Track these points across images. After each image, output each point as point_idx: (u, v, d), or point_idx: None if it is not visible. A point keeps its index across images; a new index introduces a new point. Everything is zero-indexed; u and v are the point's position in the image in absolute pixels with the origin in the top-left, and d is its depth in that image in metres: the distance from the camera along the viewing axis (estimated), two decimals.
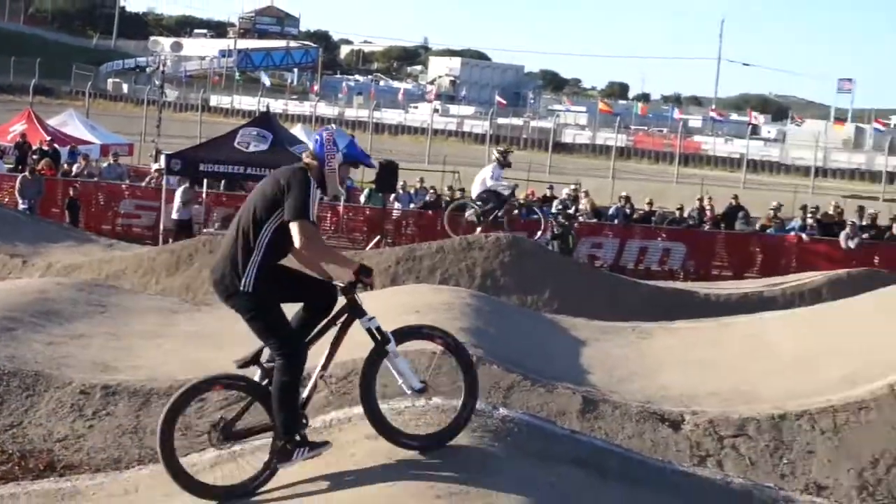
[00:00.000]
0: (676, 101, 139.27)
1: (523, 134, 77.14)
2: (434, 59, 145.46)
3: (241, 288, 6.63)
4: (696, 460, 9.02)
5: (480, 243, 18.68)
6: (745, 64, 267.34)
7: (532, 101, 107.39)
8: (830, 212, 27.26)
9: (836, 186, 52.42)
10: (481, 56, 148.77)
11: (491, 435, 7.19)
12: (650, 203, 27.99)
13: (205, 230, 23.92)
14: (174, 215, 24.87)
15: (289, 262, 6.86)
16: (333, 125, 7.10)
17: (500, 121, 77.05)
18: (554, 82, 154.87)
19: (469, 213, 20.39)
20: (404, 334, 7.14)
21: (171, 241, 22.84)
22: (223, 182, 27.55)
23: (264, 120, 25.88)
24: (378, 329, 6.86)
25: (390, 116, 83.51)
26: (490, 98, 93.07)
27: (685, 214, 27.27)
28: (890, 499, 8.80)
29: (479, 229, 19.85)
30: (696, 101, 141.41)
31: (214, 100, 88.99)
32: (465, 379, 7.13)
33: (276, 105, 73.12)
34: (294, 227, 6.51)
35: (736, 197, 28.54)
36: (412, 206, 28.06)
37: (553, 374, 10.46)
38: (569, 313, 14.75)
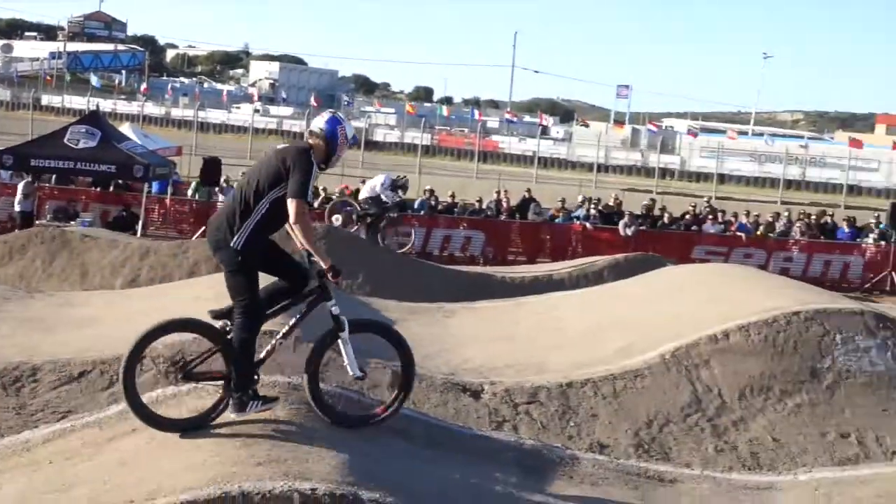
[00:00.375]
0: (476, 104, 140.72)
1: None
2: (255, 64, 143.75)
3: (232, 244, 6.77)
4: (494, 425, 9.15)
5: None
6: (536, 71, 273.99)
7: (346, 103, 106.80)
8: (611, 203, 28.02)
9: (615, 181, 53.97)
10: (299, 61, 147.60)
11: (307, 407, 7.17)
12: (453, 196, 28.26)
13: (38, 222, 23.21)
14: (17, 207, 24.21)
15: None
16: (332, 111, 7.18)
17: None
18: (366, 86, 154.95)
19: (349, 209, 20.43)
20: (358, 325, 7.38)
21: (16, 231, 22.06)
22: (54, 177, 26.63)
23: (93, 118, 25.22)
24: (338, 316, 7.05)
25: (214, 116, 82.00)
26: (307, 100, 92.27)
27: (484, 206, 27.63)
28: (662, 453, 9.09)
29: (354, 227, 19.94)
30: (494, 105, 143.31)
31: (46, 99, 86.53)
32: (402, 369, 7.42)
33: (106, 104, 71.63)
34: (292, 204, 6.67)
35: (529, 190, 29.08)
36: None
37: (366, 352, 10.44)
38: (380, 296, 14.72)
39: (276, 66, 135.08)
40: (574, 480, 7.80)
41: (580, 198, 29.01)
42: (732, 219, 27.78)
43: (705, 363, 9.97)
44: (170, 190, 27.50)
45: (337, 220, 20.21)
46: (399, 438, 7.48)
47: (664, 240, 25.51)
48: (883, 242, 26.04)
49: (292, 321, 7.26)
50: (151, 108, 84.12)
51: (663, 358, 10.00)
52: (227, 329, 6.96)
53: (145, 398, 7.06)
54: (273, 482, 5.96)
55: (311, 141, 7.00)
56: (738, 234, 26.36)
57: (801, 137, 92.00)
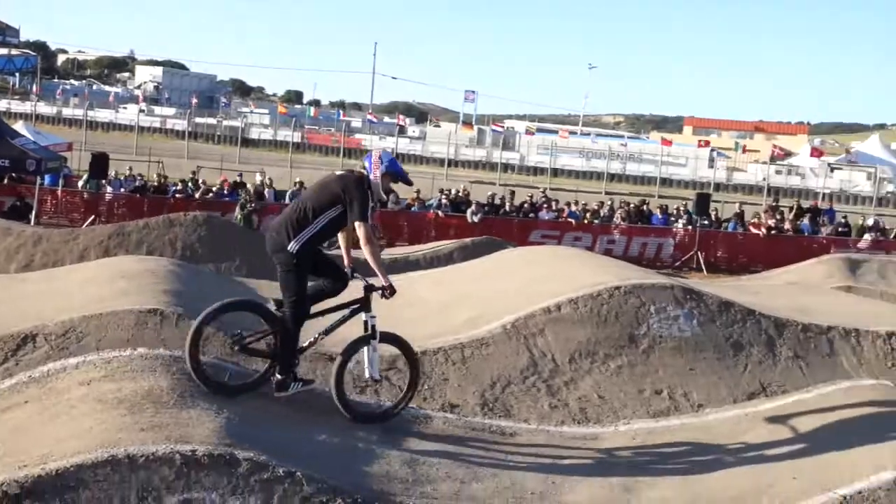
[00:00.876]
0: (341, 106, 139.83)
1: (217, 131, 75.22)
2: (140, 68, 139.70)
3: (289, 248, 7.15)
4: (359, 390, 9.12)
5: (181, 221, 18.06)
6: (394, 77, 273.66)
7: (224, 104, 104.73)
8: (460, 193, 28.20)
9: (464, 174, 54.33)
10: (181, 66, 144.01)
11: (187, 377, 7.03)
12: None
13: None
14: None
15: None
16: (381, 149, 7.98)
17: (198, 120, 75.12)
18: (242, 89, 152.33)
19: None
20: (386, 338, 7.82)
21: None
22: None
23: None
24: (374, 326, 7.57)
25: (103, 115, 79.33)
26: (188, 101, 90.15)
27: None
28: (504, 411, 9.20)
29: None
30: (357, 107, 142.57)
31: None
32: (410, 375, 7.97)
33: (0, 104, 68.46)
34: (360, 229, 7.14)
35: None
36: (122, 190, 26.87)
37: (243, 326, 10.29)
38: (255, 277, 14.53)
39: (159, 70, 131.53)
40: (427, 437, 7.85)
41: (435, 189, 29.07)
42: (564, 207, 28.33)
43: (541, 332, 10.13)
44: (61, 182, 26.54)
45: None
46: (273, 403, 7.40)
47: (506, 225, 25.83)
48: (690, 227, 26.94)
49: (333, 323, 7.64)
50: (44, 108, 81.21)
51: (505, 328, 10.11)
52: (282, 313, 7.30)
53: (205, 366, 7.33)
54: (156, 446, 5.82)
55: (360, 171, 7.44)
56: (569, 220, 26.91)
57: (622, 137, 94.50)
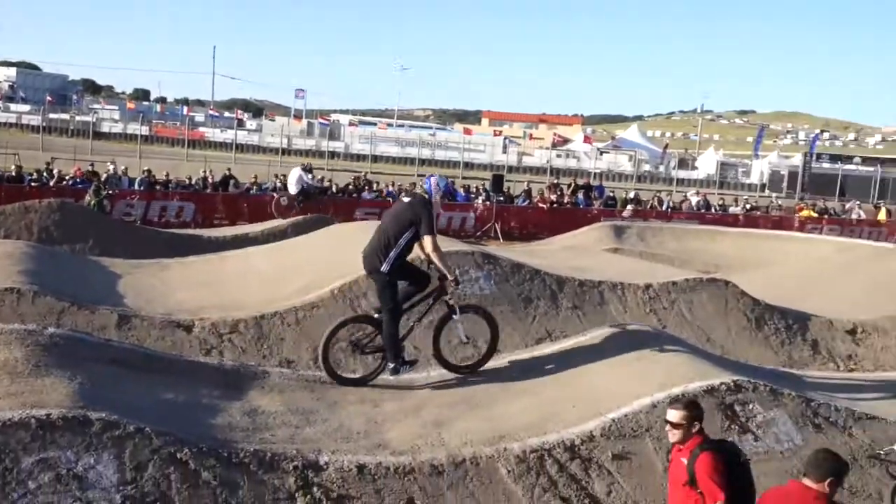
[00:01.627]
0: (185, 102, 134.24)
1: (70, 126, 70.71)
2: None
3: (381, 269, 7.98)
4: (204, 352, 8.82)
5: (36, 207, 16.86)
6: (232, 77, 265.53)
7: (76, 102, 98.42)
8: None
9: (296, 161, 53.13)
10: (34, 67, 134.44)
11: (41, 348, 6.58)
12: (167, 175, 26.83)
13: None
14: None
15: None
16: (436, 175, 8.61)
17: (52, 116, 70.32)
18: (93, 88, 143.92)
19: (284, 200, 23.02)
20: (463, 308, 8.60)
21: None
22: None
23: None
24: (453, 304, 8.37)
25: None
26: (42, 98, 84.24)
27: (193, 182, 26.47)
28: (335, 363, 9.13)
29: (293, 211, 21.98)
30: (200, 103, 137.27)
31: None
32: (490, 334, 8.61)
33: None
34: (427, 240, 7.93)
35: (229, 169, 28.15)
36: None
37: (96, 300, 9.75)
38: (108, 256, 13.80)
39: (13, 70, 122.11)
40: (265, 390, 7.67)
41: (271, 175, 28.37)
42: (383, 188, 28.28)
43: (364, 294, 10.07)
44: None
45: (284, 200, 22.69)
46: (123, 368, 7.02)
47: (334, 205, 25.54)
48: (488, 202, 27.45)
49: (423, 312, 8.50)
50: None
51: (333, 292, 10.00)
52: (379, 317, 8.11)
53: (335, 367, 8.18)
54: (12, 412, 5.40)
55: (423, 195, 8.18)
56: (388, 199, 26.86)
57: (431, 128, 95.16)
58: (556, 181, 33.64)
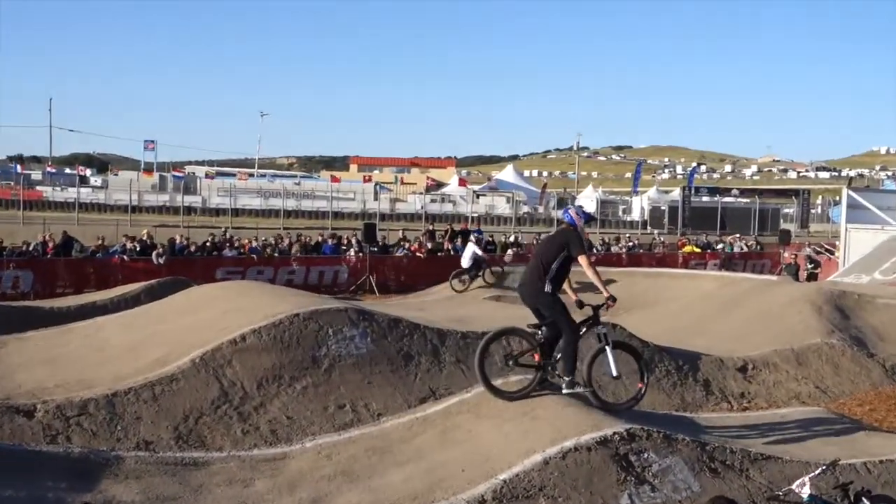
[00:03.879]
0: (20, 159, 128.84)
1: None
2: None
3: (545, 290, 8.54)
4: (48, 439, 8.37)
5: None
6: (71, 130, 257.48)
7: None
8: (145, 238, 26.84)
9: (148, 219, 51.83)
10: None
11: None
12: (1, 241, 25.51)
13: None
14: None
15: None
16: (576, 206, 9.61)
17: None
18: None
19: (464, 277, 23.60)
20: (617, 344, 9.03)
21: None
22: None
23: None
24: (605, 335, 8.78)
25: None
26: None
27: (31, 247, 25.27)
28: (199, 442, 8.84)
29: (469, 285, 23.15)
30: (37, 160, 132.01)
31: None
32: (640, 368, 9.08)
33: None
34: (583, 258, 8.55)
35: (65, 231, 26.95)
36: None
37: None
38: None
39: None
40: (119, 477, 7.33)
41: (120, 235, 27.43)
42: (246, 243, 27.82)
43: (228, 363, 9.86)
44: None
45: (463, 282, 23.48)
46: None
47: (191, 265, 24.90)
48: (361, 254, 27.39)
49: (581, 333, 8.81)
50: None
51: (194, 362, 9.74)
52: (540, 335, 8.67)
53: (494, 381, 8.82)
54: None
55: (568, 227, 8.89)
56: (251, 255, 26.45)
57: (295, 177, 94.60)
58: (431, 227, 33.99)
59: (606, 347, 8.80)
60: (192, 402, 9.29)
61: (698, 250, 34.18)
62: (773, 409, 11.71)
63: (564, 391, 8.57)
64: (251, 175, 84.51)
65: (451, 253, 29.15)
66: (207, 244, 27.31)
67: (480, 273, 23.88)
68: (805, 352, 13.66)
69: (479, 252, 24.05)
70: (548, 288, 8.56)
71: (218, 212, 60.80)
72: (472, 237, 25.56)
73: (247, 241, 28.45)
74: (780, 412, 11.24)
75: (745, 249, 35.94)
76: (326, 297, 15.37)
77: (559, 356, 8.72)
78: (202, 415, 9.20)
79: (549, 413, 8.19)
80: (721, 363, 12.99)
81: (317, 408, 9.61)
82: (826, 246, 35.82)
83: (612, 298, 8.75)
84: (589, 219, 9.32)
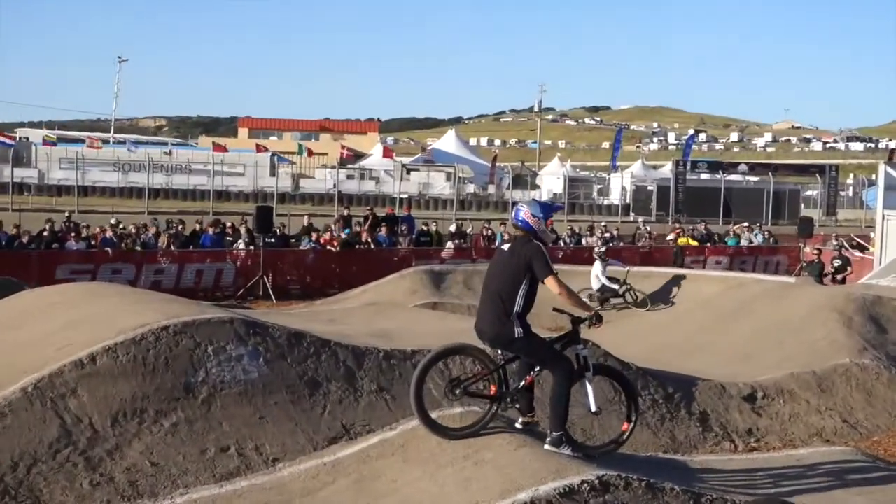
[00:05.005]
0: None
1: None
2: None
3: (516, 336, 8.56)
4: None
5: None
6: None
7: None
8: None
9: None
10: None
11: None
12: None
13: None
14: None
15: None
16: (523, 203, 9.23)
17: None
18: None
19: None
20: (600, 369, 9.40)
21: None
22: None
23: None
24: (585, 359, 8.87)
25: None
26: None
27: None
28: (33, 497, 8.73)
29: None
30: None
31: None
32: (627, 402, 9.18)
33: None
34: (549, 283, 8.55)
35: None
36: None
37: None
38: None
39: None
40: None
41: None
42: (98, 233, 27.43)
43: (73, 392, 9.73)
44: None
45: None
46: None
47: (23, 261, 24.49)
48: (252, 247, 27.21)
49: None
50: None
51: (26, 392, 9.60)
52: (500, 357, 8.79)
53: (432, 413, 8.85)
54: None
55: (525, 235, 8.86)
56: (105, 249, 26.09)
57: (165, 144, 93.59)
58: (347, 212, 33.94)
59: (587, 374, 8.90)
60: (22, 446, 9.15)
61: (695, 243, 34.72)
62: (788, 449, 11.95)
63: (548, 447, 8.59)
64: (105, 142, 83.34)
65: (372, 247, 29.15)
66: (45, 233, 26.91)
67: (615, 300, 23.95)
68: (830, 375, 13.96)
69: (605, 279, 24.08)
70: (518, 331, 8.60)
71: (60, 190, 59.97)
72: (595, 253, 25.26)
73: (99, 229, 28.11)
74: (798, 454, 11.46)
75: (755, 242, 36.60)
76: (206, 304, 15.24)
77: (520, 388, 8.83)
78: (36, 461, 9.06)
79: (497, 456, 8.25)
80: (722, 390, 13.21)
81: (191, 451, 9.54)
82: (858, 239, 36.68)
83: (598, 317, 8.93)
84: (549, 211, 9.23)
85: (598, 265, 24.22)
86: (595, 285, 23.95)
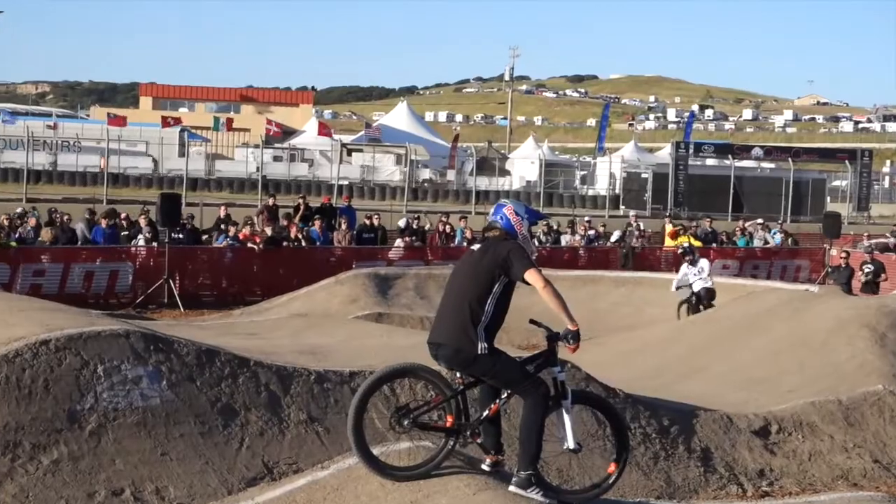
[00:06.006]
0: None
1: None
2: None
3: (478, 352, 8.56)
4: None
5: None
6: None
7: None
8: None
9: None
10: None
11: None
12: None
13: None
14: None
15: None
16: (507, 199, 9.34)
17: None
18: None
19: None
20: (580, 396, 9.45)
21: None
22: None
23: None
24: (563, 383, 8.87)
25: None
26: None
27: None
28: None
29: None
30: None
31: None
32: (614, 438, 9.37)
33: None
34: (530, 276, 8.51)
35: None
36: None
37: None
38: None
39: None
40: None
41: None
42: None
43: None
44: None
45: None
46: None
47: None
48: (156, 244, 27.10)
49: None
50: None
51: None
52: (458, 381, 8.78)
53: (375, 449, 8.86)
54: None
55: (500, 235, 8.88)
56: None
57: (49, 115, 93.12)
58: (272, 202, 33.86)
59: (564, 402, 8.91)
60: None
61: (698, 244, 34.91)
62: (807, 495, 12.05)
63: (513, 489, 8.61)
64: None
65: (303, 244, 29.09)
66: None
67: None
68: (859, 405, 14.06)
69: (694, 275, 24.53)
70: (482, 347, 8.59)
71: None
72: (683, 252, 25.89)
73: None
74: (819, 500, 11.57)
75: (771, 243, 36.89)
76: (97, 313, 15.17)
77: (483, 419, 8.84)
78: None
79: (452, 502, 8.27)
80: (729, 423, 13.29)
81: (76, 495, 9.51)
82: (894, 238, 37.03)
83: (576, 336, 8.76)
84: (535, 217, 9.37)
85: (685, 268, 24.87)
86: (673, 287, 24.73)
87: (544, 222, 32.19)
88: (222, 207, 32.41)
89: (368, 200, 53.09)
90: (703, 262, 24.86)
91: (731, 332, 18.46)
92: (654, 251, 34.22)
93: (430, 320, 21.04)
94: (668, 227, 36.00)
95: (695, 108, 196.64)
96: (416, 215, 36.19)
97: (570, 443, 8.86)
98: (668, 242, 34.61)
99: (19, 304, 13.93)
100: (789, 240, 37.56)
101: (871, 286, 27.79)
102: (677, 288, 24.57)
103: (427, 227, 33.89)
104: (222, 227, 29.77)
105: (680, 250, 25.92)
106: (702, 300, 24.11)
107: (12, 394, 10.02)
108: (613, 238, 34.54)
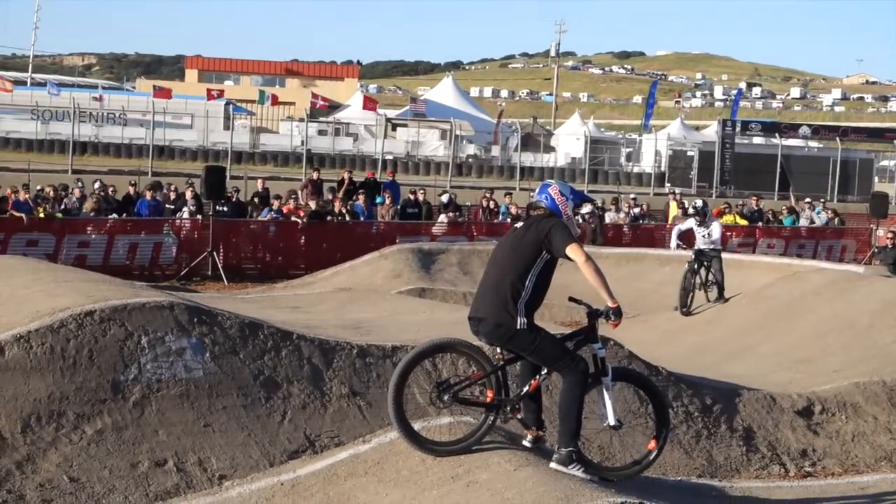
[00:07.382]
0: None
1: None
2: None
3: (517, 326, 8.66)
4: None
5: None
6: None
7: None
8: None
9: None
10: None
11: None
12: None
13: None
14: None
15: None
16: (553, 179, 9.46)
17: None
18: None
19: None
20: (621, 374, 9.56)
21: None
22: None
23: None
24: (603, 360, 8.94)
25: None
26: None
27: None
28: None
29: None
30: None
31: None
32: (655, 416, 9.38)
33: None
34: (572, 251, 8.59)
35: None
36: None
37: None
38: None
39: None
40: None
41: None
42: (9, 195, 27.37)
43: None
44: None
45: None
46: None
47: None
48: (200, 217, 27.17)
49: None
50: None
51: None
52: (498, 356, 8.88)
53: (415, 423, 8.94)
54: None
55: (540, 213, 8.98)
56: (18, 214, 26.04)
57: (95, 88, 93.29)
58: (317, 176, 33.87)
59: (604, 379, 8.97)
60: None
61: (744, 222, 34.74)
62: (850, 475, 12.00)
63: (554, 466, 8.67)
64: (21, 83, 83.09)
65: (347, 219, 29.12)
66: None
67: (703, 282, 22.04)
68: None
69: (703, 237, 21.96)
70: (521, 322, 8.66)
71: None
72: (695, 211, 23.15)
73: (10, 190, 28.05)
74: (862, 481, 11.53)
75: (817, 222, 36.65)
76: (141, 285, 15.21)
77: (523, 395, 8.89)
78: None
79: (493, 477, 8.27)
80: (772, 403, 13.24)
81: (120, 464, 9.55)
82: None
83: (618, 312, 8.85)
84: (581, 202, 9.50)
85: (692, 223, 22.48)
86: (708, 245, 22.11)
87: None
88: (259, 181, 32.42)
89: (413, 175, 53.00)
90: (715, 226, 22.30)
91: (776, 313, 18.38)
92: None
93: (472, 296, 21.10)
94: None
95: (742, 85, 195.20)
96: (458, 191, 36.13)
97: (611, 419, 8.93)
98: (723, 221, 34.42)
99: (65, 275, 14.00)
100: (835, 219, 37.26)
101: None
102: (678, 246, 22.53)
103: (469, 203, 33.86)
104: (255, 200, 29.83)
105: (691, 210, 23.03)
106: (705, 259, 21.69)
107: (57, 364, 10.09)
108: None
